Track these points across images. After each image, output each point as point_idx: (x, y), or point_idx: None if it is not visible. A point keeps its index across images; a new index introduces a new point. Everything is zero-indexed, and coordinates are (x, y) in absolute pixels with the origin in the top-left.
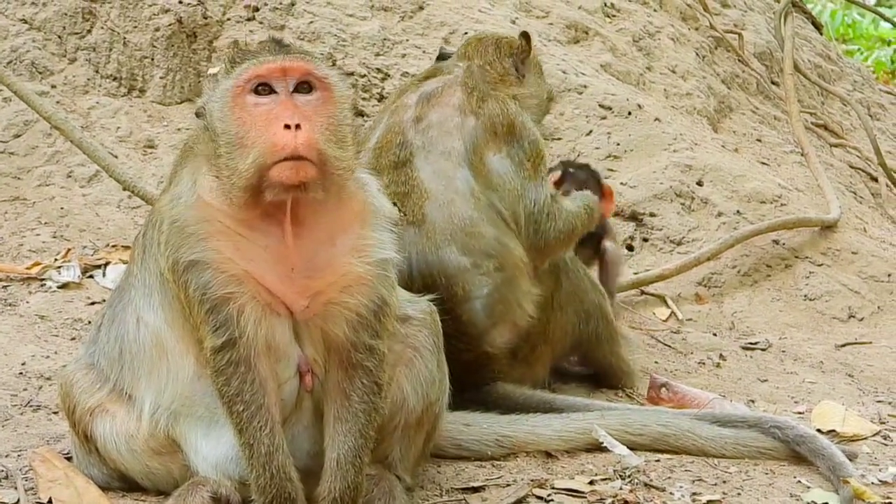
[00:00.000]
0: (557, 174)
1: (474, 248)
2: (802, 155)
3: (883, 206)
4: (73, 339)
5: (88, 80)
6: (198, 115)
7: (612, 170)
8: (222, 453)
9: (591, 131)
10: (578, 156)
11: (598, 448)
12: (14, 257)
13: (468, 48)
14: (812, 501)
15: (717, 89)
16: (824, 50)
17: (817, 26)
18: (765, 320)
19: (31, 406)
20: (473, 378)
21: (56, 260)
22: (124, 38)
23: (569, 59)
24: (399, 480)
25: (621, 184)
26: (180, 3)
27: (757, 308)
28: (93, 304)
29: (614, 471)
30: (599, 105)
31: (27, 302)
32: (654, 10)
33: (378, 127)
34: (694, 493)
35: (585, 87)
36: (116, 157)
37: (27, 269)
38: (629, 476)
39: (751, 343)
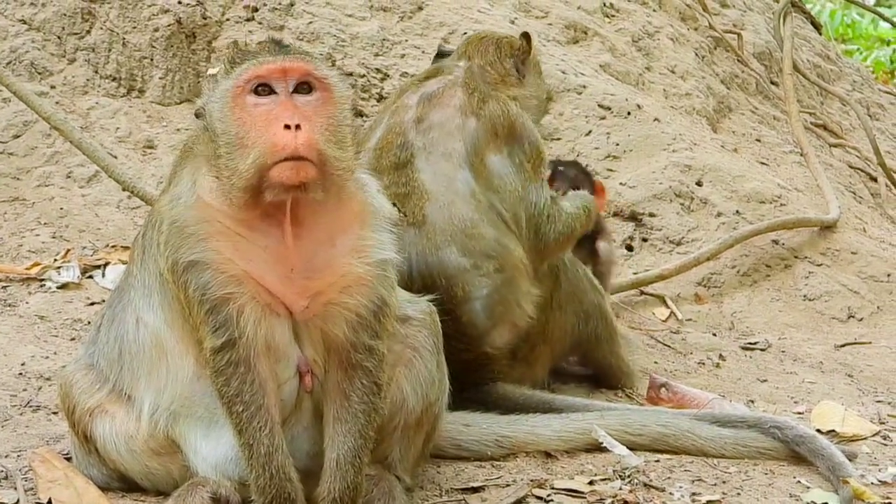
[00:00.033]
0: (547, 173)
1: (474, 249)
2: (802, 155)
3: (882, 206)
4: (73, 339)
5: (88, 80)
6: (197, 115)
7: (611, 170)
8: (222, 454)
9: (590, 131)
10: (578, 156)
11: (597, 448)
12: (13, 258)
13: (468, 47)
14: (812, 501)
15: (717, 89)
16: (823, 50)
17: (816, 26)
18: (764, 320)
19: (30, 406)
20: (473, 378)
21: (55, 260)
22: (123, 38)
23: (568, 59)
24: (399, 481)
25: (620, 184)
26: (179, 3)
27: (756, 308)
28: (92, 304)
29: (614, 471)
30: (599, 105)
31: (27, 302)
32: (654, 11)
33: (378, 127)
34: (693, 494)
35: (585, 87)
36: (116, 157)
37: (27, 269)
38: (629, 476)
39: (750, 343)
